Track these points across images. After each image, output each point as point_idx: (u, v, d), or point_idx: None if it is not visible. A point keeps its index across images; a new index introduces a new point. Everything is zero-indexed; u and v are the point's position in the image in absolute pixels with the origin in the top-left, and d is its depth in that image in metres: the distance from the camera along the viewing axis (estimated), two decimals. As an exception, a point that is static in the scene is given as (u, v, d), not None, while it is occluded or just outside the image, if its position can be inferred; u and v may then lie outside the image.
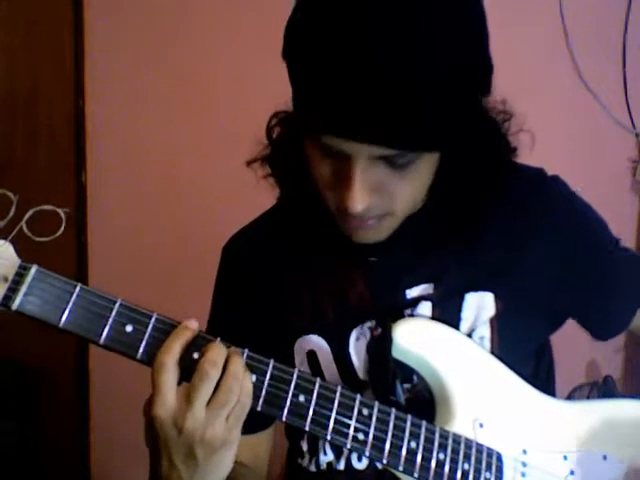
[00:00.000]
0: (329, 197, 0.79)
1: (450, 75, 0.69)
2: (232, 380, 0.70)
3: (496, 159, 0.84)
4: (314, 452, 0.91)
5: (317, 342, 0.89)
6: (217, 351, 0.71)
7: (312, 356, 0.89)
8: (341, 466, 0.89)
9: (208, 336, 0.73)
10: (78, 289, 0.70)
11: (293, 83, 0.76)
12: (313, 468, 0.91)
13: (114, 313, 0.70)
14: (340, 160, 0.75)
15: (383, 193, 0.76)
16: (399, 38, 0.67)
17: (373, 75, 0.67)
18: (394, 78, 0.67)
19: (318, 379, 0.76)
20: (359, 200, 0.74)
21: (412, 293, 0.88)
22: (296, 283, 0.91)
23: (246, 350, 0.74)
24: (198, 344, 0.72)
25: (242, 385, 0.71)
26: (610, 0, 1.98)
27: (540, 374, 0.95)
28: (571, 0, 1.94)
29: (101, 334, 0.70)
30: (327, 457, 0.89)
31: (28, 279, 0.68)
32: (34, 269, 0.69)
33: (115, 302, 0.71)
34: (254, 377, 0.73)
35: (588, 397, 1.86)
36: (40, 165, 2.18)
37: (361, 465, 0.88)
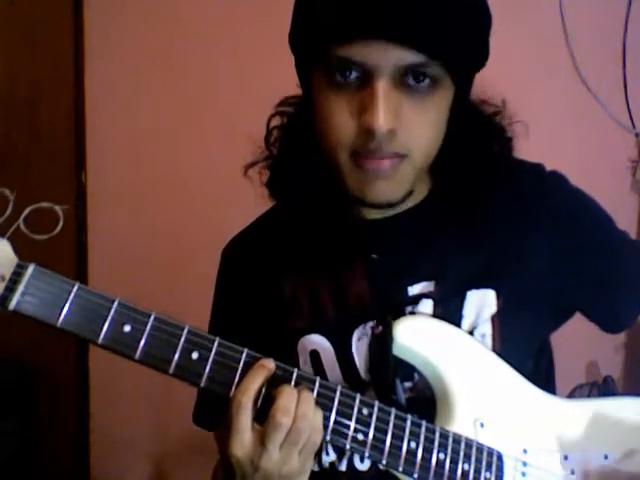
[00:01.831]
0: (345, 145, 0.77)
1: (470, 8, 0.75)
2: (303, 422, 0.71)
3: (494, 150, 0.85)
4: (316, 452, 0.91)
5: (319, 342, 0.89)
6: (289, 397, 0.71)
7: (315, 356, 0.89)
8: (343, 467, 0.89)
9: (284, 370, 0.74)
10: (76, 288, 0.69)
11: (305, 10, 0.77)
12: (316, 467, 0.91)
13: (112, 313, 0.70)
14: (359, 90, 0.74)
15: (402, 125, 0.75)
16: None
17: None
18: None
19: (318, 378, 0.76)
20: (385, 117, 0.73)
21: (414, 290, 0.87)
22: (296, 283, 0.91)
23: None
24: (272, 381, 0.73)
25: (313, 424, 0.72)
26: (610, 0, 1.98)
27: (540, 372, 0.94)
28: (571, 0, 1.94)
29: (99, 334, 0.69)
30: (329, 457, 0.89)
31: (25, 278, 0.67)
32: (32, 268, 0.68)
33: (113, 301, 0.70)
34: None
35: (588, 397, 1.86)
36: (40, 165, 2.18)
37: (364, 466, 0.88)
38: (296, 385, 0.74)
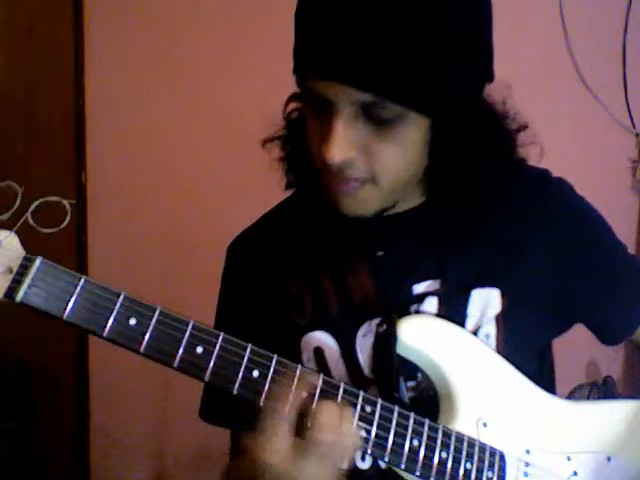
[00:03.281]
0: (318, 161, 0.80)
1: (438, 35, 0.72)
2: (343, 440, 0.70)
3: (498, 153, 0.84)
4: None
5: (323, 338, 0.89)
6: (332, 415, 0.70)
7: (319, 353, 0.89)
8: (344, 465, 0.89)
9: (330, 380, 0.74)
10: (82, 281, 0.70)
11: (294, 36, 0.79)
12: None
13: (118, 306, 0.70)
14: (326, 115, 0.76)
15: (365, 153, 0.77)
16: None
17: (352, 11, 0.70)
18: (372, 17, 0.70)
19: (321, 375, 0.75)
20: (337, 149, 0.75)
21: (419, 289, 0.87)
22: (301, 280, 0.91)
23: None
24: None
25: (351, 442, 0.72)
26: (610, 0, 1.99)
27: (543, 374, 0.94)
28: (571, 0, 1.95)
29: (105, 327, 0.70)
30: None
31: (32, 271, 0.68)
32: (39, 261, 0.69)
33: (119, 295, 0.71)
34: (256, 372, 0.73)
35: (588, 397, 1.86)
36: (40, 164, 2.18)
37: (364, 465, 0.88)
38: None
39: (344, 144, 0.75)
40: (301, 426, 0.70)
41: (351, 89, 0.73)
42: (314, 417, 0.70)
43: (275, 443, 0.69)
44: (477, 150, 0.82)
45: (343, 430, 0.70)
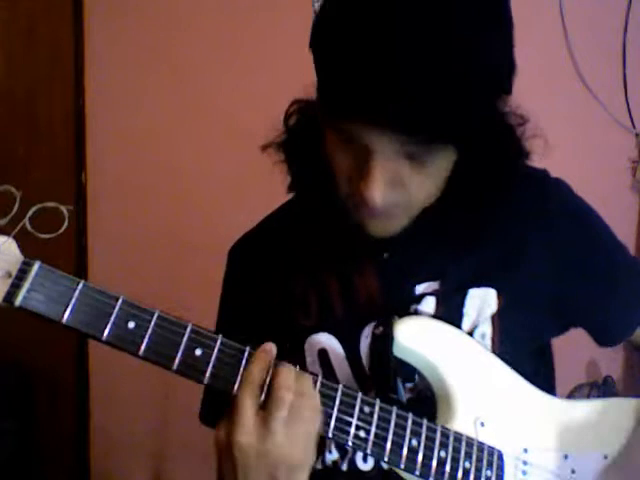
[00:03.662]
0: (345, 185, 0.79)
1: (476, 73, 0.70)
2: (303, 399, 0.71)
3: (509, 162, 0.84)
4: (320, 450, 0.91)
5: (328, 340, 0.89)
6: (288, 375, 0.72)
7: (323, 355, 0.89)
8: (345, 466, 0.89)
9: (284, 363, 0.74)
10: (81, 286, 0.70)
11: (320, 71, 0.76)
12: (319, 465, 0.91)
13: (117, 310, 0.71)
14: (361, 150, 0.74)
15: (400, 187, 0.76)
16: (428, 31, 0.67)
17: (399, 64, 0.67)
18: (419, 69, 0.67)
19: (320, 376, 0.76)
20: (378, 193, 0.74)
21: (420, 289, 0.88)
22: (305, 282, 0.91)
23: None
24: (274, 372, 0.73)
25: (312, 403, 0.73)
26: (610, 0, 1.99)
27: (541, 373, 0.94)
28: (571, 0, 1.95)
29: (103, 330, 0.70)
30: (332, 455, 0.89)
31: (31, 275, 0.69)
32: (37, 265, 0.69)
33: (118, 299, 0.71)
34: None
35: (588, 397, 1.87)
36: (40, 165, 2.18)
37: (366, 466, 0.88)
38: None
39: (384, 186, 0.74)
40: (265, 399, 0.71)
41: (397, 136, 0.71)
42: (272, 378, 0.72)
43: (241, 419, 0.70)
44: (492, 160, 0.82)
45: (300, 389, 0.72)
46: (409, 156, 0.74)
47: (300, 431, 0.71)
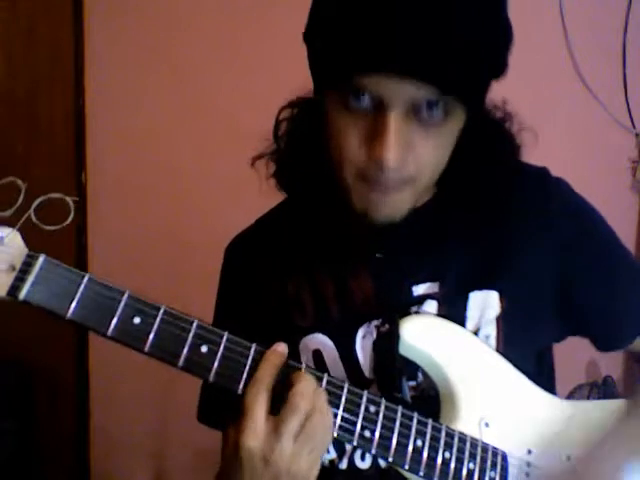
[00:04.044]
0: (355, 160, 0.77)
1: (481, 23, 0.71)
2: (319, 415, 0.71)
3: (502, 155, 0.85)
4: None
5: (322, 341, 0.88)
6: (308, 383, 0.71)
7: (318, 355, 0.89)
8: (343, 465, 0.88)
9: (294, 363, 0.74)
10: (86, 280, 0.68)
11: (328, 34, 0.75)
12: None
13: (122, 305, 0.69)
14: (372, 116, 0.74)
15: (411, 154, 0.76)
16: None
17: (408, 7, 0.68)
18: (427, 13, 0.69)
19: (325, 375, 0.76)
20: (393, 152, 0.73)
21: (418, 290, 0.87)
22: (300, 282, 0.91)
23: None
24: (283, 371, 0.73)
25: (326, 421, 0.72)
26: (610, 0, 1.99)
27: (542, 375, 0.94)
28: (571, 0, 1.95)
29: (109, 326, 0.69)
30: (330, 455, 0.89)
31: (36, 268, 0.67)
32: (42, 258, 0.68)
33: (123, 293, 0.70)
34: None
35: (588, 397, 1.87)
36: (40, 164, 2.18)
37: (364, 464, 0.87)
38: None
39: (401, 145, 0.74)
40: (278, 402, 0.71)
41: (414, 85, 0.71)
42: (291, 383, 0.71)
43: (252, 423, 0.69)
44: (489, 142, 0.83)
45: (318, 404, 0.71)
46: (420, 121, 0.74)
47: (309, 448, 0.71)
